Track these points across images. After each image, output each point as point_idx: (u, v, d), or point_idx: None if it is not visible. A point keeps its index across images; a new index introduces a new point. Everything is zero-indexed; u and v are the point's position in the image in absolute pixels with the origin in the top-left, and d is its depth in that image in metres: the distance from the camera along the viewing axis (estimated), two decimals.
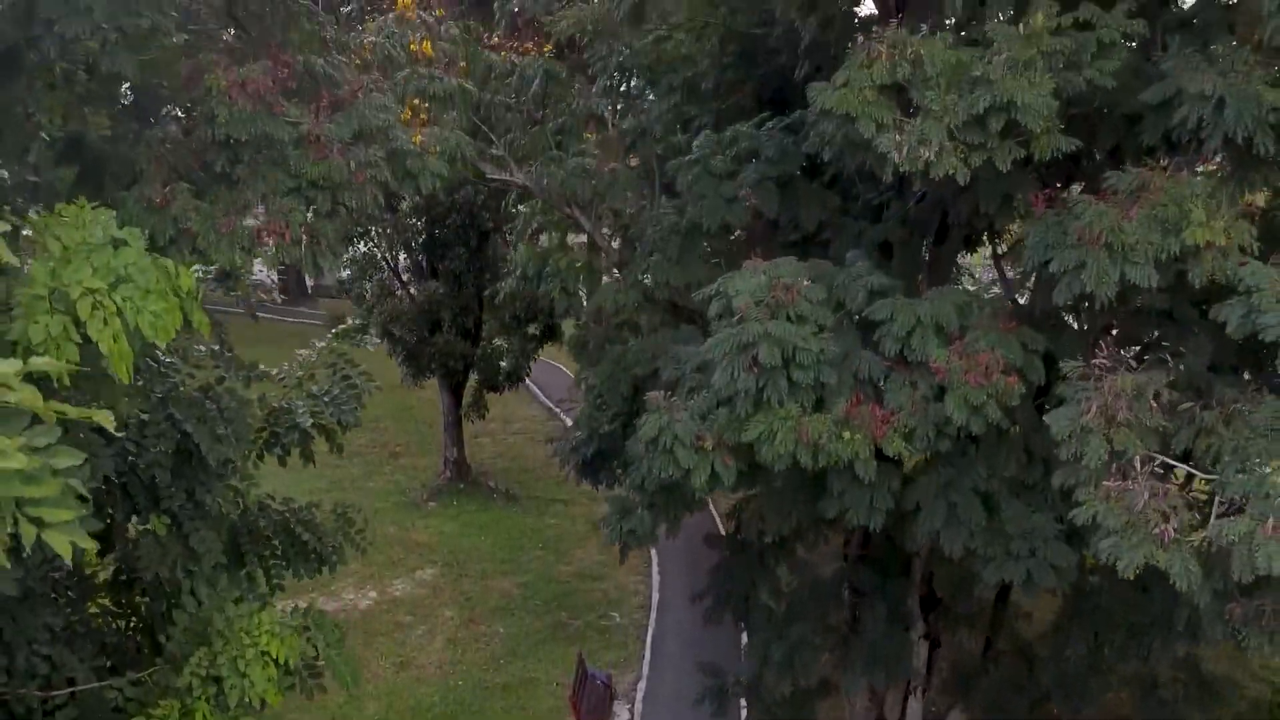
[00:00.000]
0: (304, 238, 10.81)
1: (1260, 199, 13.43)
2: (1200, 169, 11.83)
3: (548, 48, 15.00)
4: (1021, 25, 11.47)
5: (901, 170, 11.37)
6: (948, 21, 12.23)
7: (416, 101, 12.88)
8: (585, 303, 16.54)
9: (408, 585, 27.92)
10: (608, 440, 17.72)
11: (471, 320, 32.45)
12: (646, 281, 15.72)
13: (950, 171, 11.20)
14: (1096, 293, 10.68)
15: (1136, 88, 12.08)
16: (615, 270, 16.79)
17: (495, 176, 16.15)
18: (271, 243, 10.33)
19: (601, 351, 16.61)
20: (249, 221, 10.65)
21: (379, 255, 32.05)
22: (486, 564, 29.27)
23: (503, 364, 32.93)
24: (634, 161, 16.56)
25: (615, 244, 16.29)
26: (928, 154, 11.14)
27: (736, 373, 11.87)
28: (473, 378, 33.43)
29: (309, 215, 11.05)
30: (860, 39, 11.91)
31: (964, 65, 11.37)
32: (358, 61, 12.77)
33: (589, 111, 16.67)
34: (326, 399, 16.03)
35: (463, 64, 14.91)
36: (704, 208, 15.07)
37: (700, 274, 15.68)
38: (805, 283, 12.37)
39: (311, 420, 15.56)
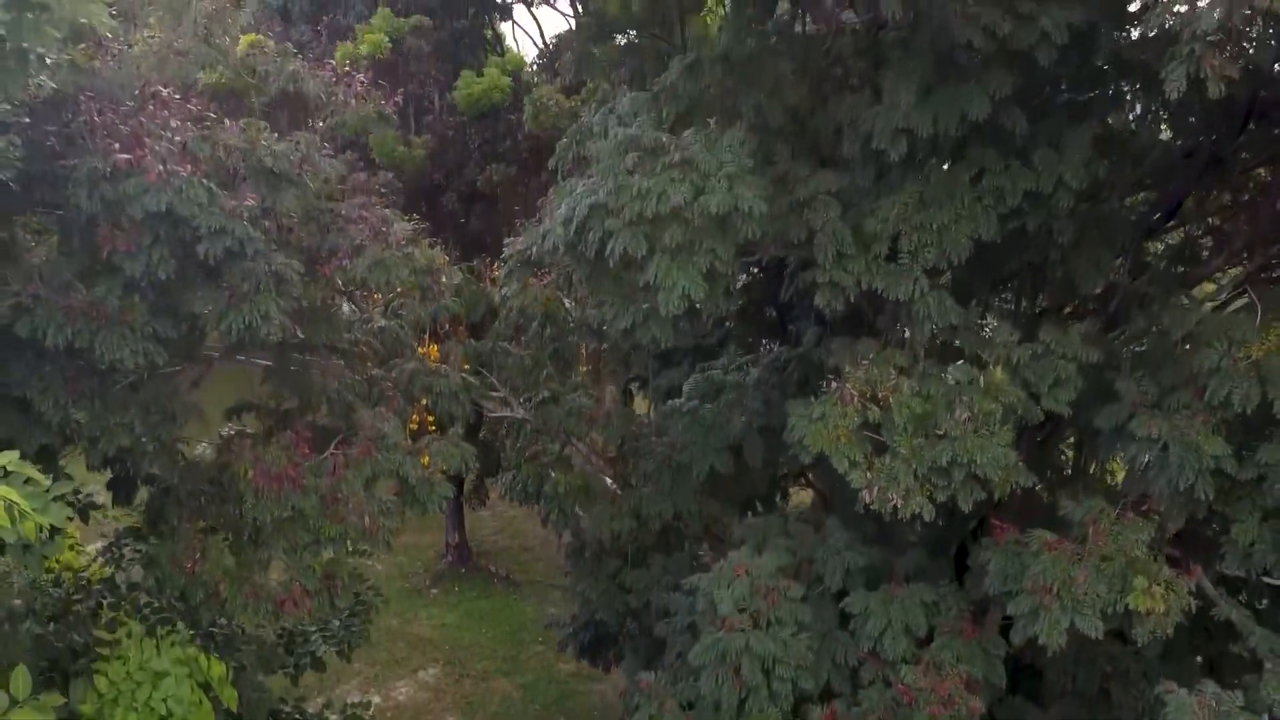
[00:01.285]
0: (322, 587, 11.80)
1: None
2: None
3: (548, 296, 15.84)
4: (982, 377, 12.42)
5: (872, 507, 12.36)
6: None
7: (424, 401, 13.84)
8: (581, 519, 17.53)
9: (410, 688, 29.12)
10: (605, 626, 18.87)
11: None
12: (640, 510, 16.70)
13: (917, 510, 12.19)
14: (1048, 643, 11.73)
15: (1094, 407, 13.08)
16: (611, 478, 17.76)
17: (497, 414, 17.10)
18: (294, 609, 11.31)
19: (597, 564, 17.63)
20: (272, 578, 11.66)
21: None
22: (488, 661, 30.48)
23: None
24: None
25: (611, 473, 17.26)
26: (896, 498, 12.14)
27: (722, 678, 12.93)
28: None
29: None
30: (832, 382, 12.80)
31: (929, 415, 12.31)
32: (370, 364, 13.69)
33: (586, 330, 17.52)
34: (338, 623, 17.13)
35: (461, 313, 15.82)
36: (693, 453, 16.05)
37: (691, 505, 16.72)
38: (788, 584, 13.41)
39: (324, 646, 16.67)
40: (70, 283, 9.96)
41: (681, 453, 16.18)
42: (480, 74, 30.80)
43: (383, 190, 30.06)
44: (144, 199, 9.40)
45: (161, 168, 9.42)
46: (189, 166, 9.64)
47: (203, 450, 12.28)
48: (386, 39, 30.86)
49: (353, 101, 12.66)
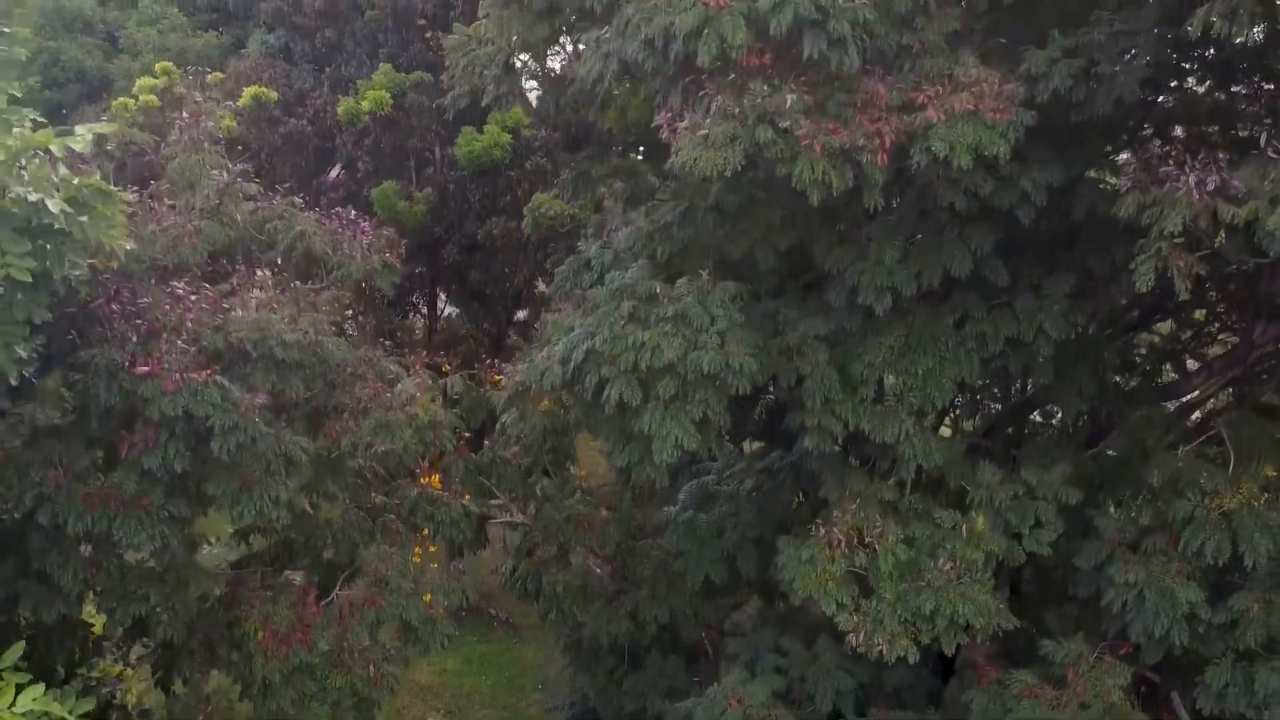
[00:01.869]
0: None
1: None
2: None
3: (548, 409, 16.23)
4: (964, 525, 12.90)
5: (859, 650, 12.85)
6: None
7: (425, 531, 14.30)
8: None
9: None
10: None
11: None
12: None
13: (901, 654, 12.68)
14: None
15: (1072, 547, 13.56)
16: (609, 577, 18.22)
17: (498, 520, 17.57)
18: None
19: (595, 659, 18.11)
20: None
21: None
22: (488, 710, 30.95)
23: None
24: None
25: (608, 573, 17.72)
26: (881, 642, 12.62)
27: None
28: None
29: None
30: (820, 527, 13.25)
31: (914, 563, 12.79)
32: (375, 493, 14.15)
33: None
34: None
35: (463, 426, 16.26)
36: (688, 562, 16.52)
37: (686, 609, 17.21)
38: (779, 713, 13.91)
39: None
40: (89, 469, 10.42)
41: (676, 560, 16.65)
42: (481, 130, 31.15)
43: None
44: (161, 403, 9.87)
45: (179, 375, 9.88)
46: (204, 372, 10.10)
47: (212, 590, 12.69)
48: (388, 95, 31.22)
49: (358, 256, 13.06)
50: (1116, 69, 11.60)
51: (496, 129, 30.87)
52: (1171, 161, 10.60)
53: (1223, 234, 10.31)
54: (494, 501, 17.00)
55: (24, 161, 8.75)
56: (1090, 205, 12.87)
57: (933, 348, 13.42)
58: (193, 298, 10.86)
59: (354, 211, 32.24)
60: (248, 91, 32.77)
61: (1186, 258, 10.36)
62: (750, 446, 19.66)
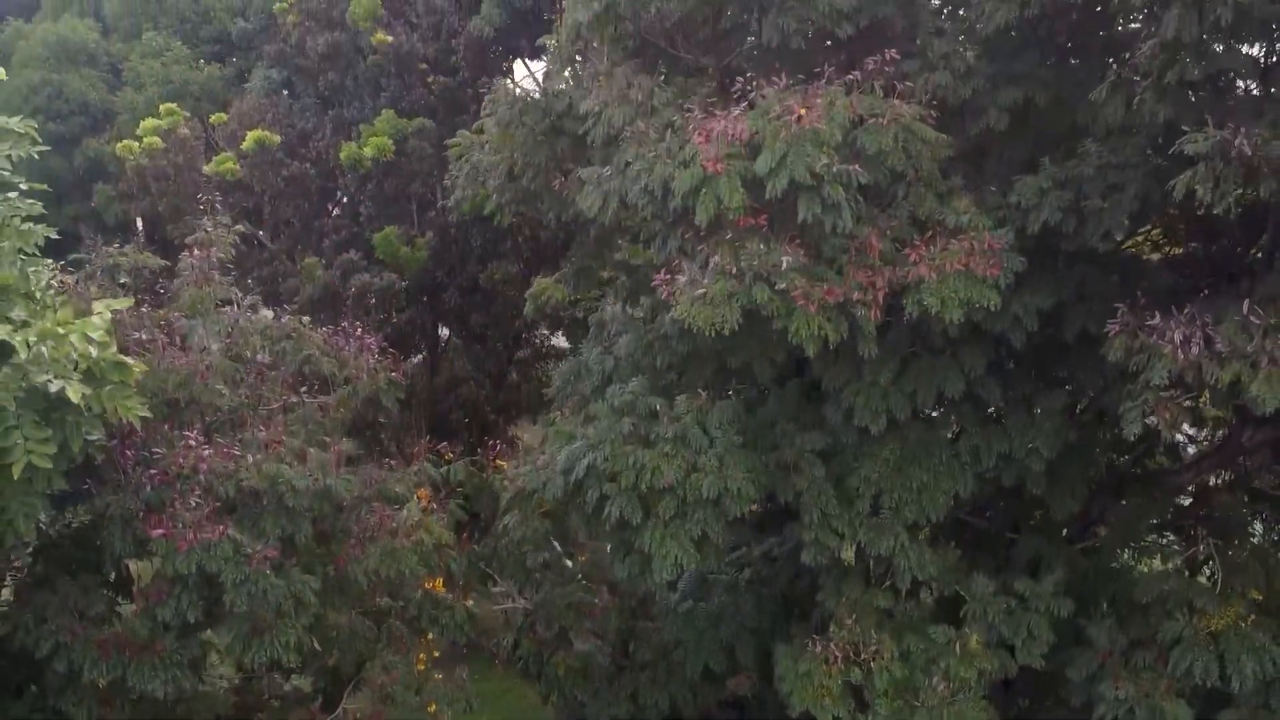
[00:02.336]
0: None
1: None
2: None
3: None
4: (958, 643, 13.19)
5: None
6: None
7: (429, 636, 14.59)
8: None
9: None
10: None
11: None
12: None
13: None
14: None
15: (1065, 656, 13.83)
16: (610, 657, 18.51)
17: (501, 606, 17.87)
18: None
19: None
20: None
21: None
22: None
23: None
24: None
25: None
26: None
27: None
28: None
29: None
30: (818, 642, 13.53)
31: (909, 681, 13.08)
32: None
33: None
34: None
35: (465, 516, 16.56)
36: (688, 651, 16.82)
37: (686, 694, 17.51)
38: None
39: None
40: (104, 616, 10.71)
41: (676, 649, 16.95)
42: None
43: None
44: (175, 561, 10.16)
45: (192, 535, 10.17)
46: (218, 529, 10.39)
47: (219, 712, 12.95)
48: (390, 141, 31.43)
49: (364, 376, 13.33)
50: (1104, 205, 11.86)
51: None
52: (1158, 313, 10.83)
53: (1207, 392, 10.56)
54: (495, 589, 17.30)
55: (45, 347, 9.02)
56: (1081, 327, 13.12)
57: (927, 462, 13.69)
58: (205, 451, 11.12)
59: (356, 252, 32.67)
60: (251, 136, 32.98)
61: (1173, 409, 10.62)
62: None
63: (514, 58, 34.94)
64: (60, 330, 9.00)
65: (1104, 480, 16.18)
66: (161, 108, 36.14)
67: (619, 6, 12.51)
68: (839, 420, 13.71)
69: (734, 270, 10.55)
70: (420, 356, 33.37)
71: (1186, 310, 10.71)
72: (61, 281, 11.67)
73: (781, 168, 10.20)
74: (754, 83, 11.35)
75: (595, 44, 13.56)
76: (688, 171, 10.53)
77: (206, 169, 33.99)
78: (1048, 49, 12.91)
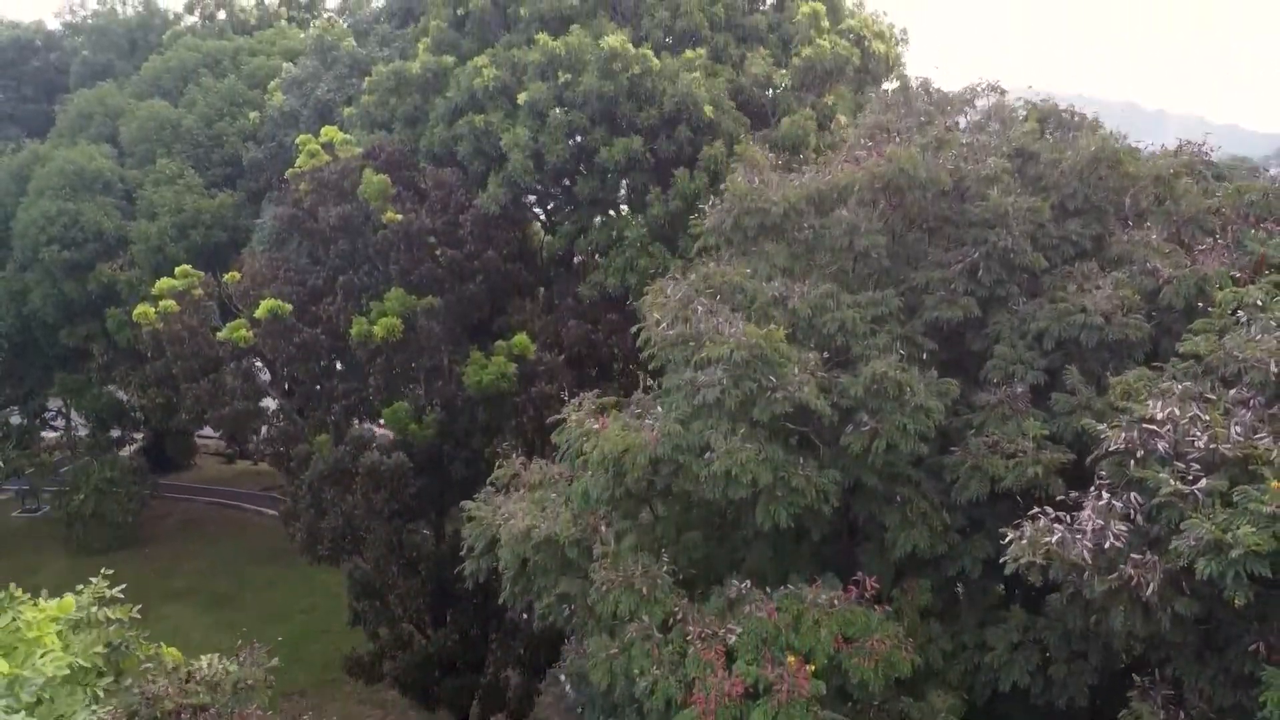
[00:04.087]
0: None
1: None
2: None
3: None
4: None
5: None
6: None
7: None
8: None
9: None
10: None
11: (479, 655, 34.72)
12: None
13: None
14: None
15: None
16: None
17: None
18: None
19: None
20: None
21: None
22: None
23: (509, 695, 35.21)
24: None
25: None
26: None
27: None
28: (476, 706, 35.71)
29: None
30: None
31: None
32: None
33: None
34: None
35: None
36: None
37: None
38: None
39: None
40: None
41: None
42: (489, 356, 32.31)
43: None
44: None
45: None
46: None
47: None
48: (399, 321, 32.37)
49: None
50: (1067, 673, 12.59)
51: (503, 359, 32.06)
52: None
53: None
54: None
55: None
56: None
57: None
58: None
59: (364, 423, 33.33)
60: (264, 305, 33.91)
61: None
62: None
63: (518, 230, 35.92)
64: None
65: None
66: (177, 270, 37.12)
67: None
68: None
69: None
70: (426, 531, 34.10)
71: None
72: None
73: None
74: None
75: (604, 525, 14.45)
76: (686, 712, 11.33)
77: (220, 336, 34.93)
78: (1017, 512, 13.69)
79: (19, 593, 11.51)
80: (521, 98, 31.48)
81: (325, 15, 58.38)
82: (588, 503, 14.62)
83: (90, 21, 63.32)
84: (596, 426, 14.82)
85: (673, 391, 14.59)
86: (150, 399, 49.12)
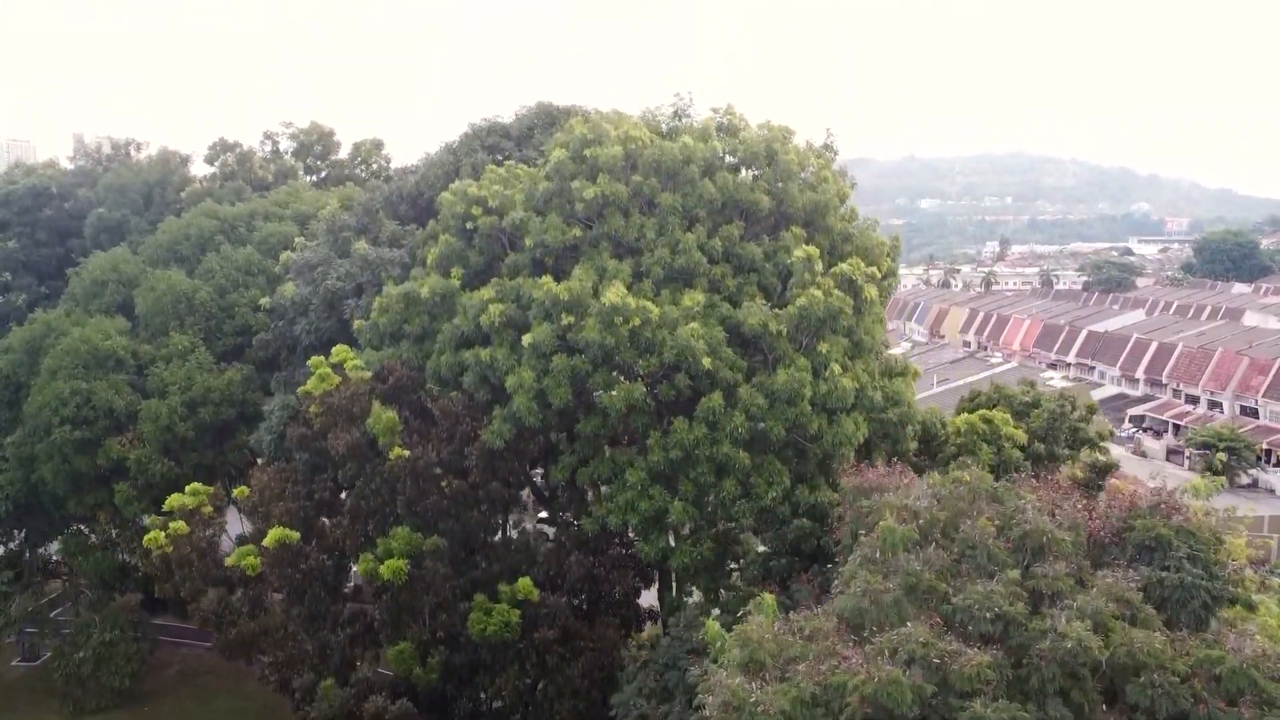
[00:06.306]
0: None
1: None
2: None
3: None
4: None
5: None
6: None
7: None
8: None
9: None
10: None
11: None
12: None
13: None
14: None
15: None
16: None
17: None
18: None
19: None
20: None
21: None
22: None
23: None
24: None
25: None
26: None
27: None
28: None
29: None
30: None
31: None
32: None
33: None
34: None
35: None
36: None
37: None
38: None
39: None
40: None
41: None
42: (493, 599, 33.06)
43: None
44: None
45: None
46: None
47: None
48: (405, 564, 33.11)
49: None
50: None
51: (506, 606, 32.79)
52: None
53: None
54: None
55: None
56: None
57: None
58: None
59: (369, 665, 33.67)
60: (272, 534, 34.65)
61: None
62: None
63: (523, 464, 36.83)
64: None
65: None
66: (188, 488, 37.96)
67: None
68: None
69: None
70: None
71: None
72: None
73: None
74: None
75: None
76: None
77: (229, 561, 35.68)
78: None
79: None
80: (526, 339, 32.42)
81: (340, 187, 59.57)
82: None
83: (107, 175, 64.68)
84: None
85: None
86: (153, 564, 49.71)
